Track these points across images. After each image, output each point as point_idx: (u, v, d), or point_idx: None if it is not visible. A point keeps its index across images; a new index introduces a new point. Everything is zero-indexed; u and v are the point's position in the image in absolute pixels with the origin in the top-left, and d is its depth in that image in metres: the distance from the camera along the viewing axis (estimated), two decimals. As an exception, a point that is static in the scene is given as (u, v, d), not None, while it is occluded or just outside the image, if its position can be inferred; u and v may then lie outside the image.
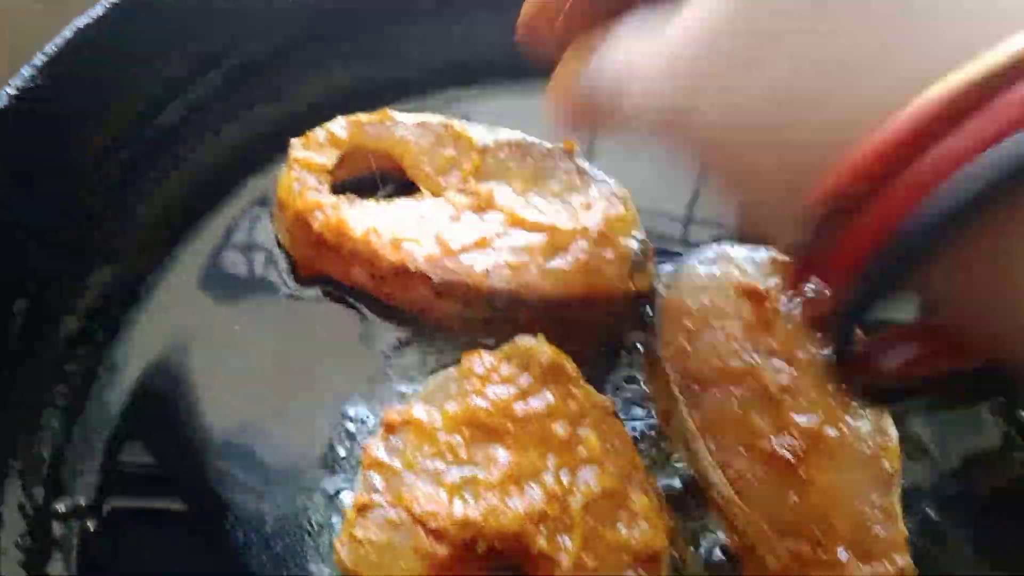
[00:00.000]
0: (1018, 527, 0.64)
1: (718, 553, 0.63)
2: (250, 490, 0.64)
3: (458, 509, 0.59)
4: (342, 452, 0.66)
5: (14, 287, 0.67)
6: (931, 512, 0.64)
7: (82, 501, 0.64)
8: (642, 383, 0.70)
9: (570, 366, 0.64)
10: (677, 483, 0.64)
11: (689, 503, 0.64)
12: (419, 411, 0.63)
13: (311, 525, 0.64)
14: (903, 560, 0.57)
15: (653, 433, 0.67)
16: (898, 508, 0.59)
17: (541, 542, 0.58)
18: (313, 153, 0.74)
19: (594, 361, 0.68)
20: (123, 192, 0.74)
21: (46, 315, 0.69)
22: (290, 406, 0.67)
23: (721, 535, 0.63)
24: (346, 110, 0.77)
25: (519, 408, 0.62)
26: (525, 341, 0.65)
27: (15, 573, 0.60)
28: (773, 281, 0.67)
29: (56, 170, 0.70)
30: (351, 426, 0.67)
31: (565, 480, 0.60)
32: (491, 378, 0.64)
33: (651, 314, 0.70)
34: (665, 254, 0.73)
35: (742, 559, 0.62)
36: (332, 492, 0.65)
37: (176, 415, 0.67)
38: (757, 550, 0.61)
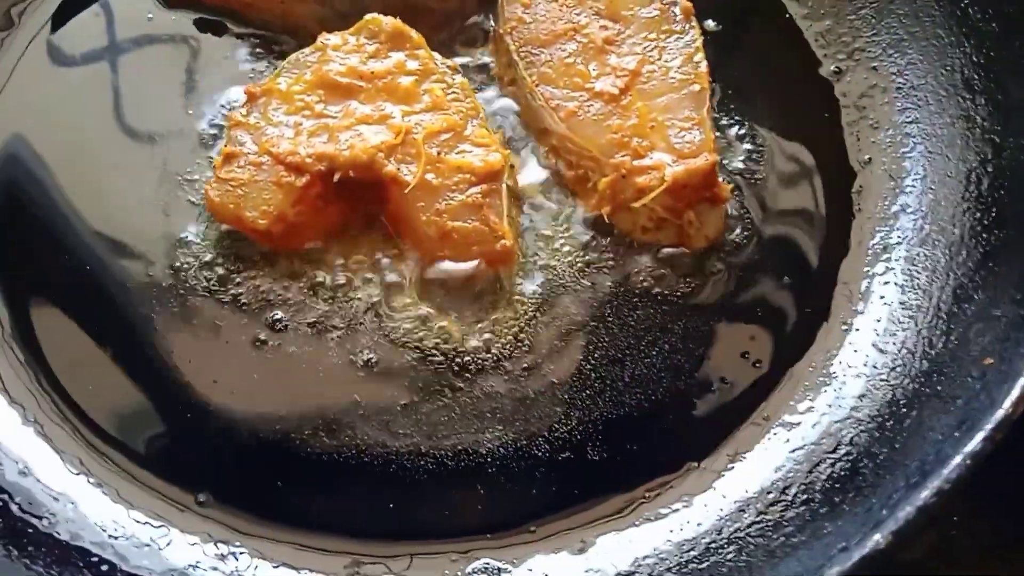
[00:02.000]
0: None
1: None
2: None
3: (314, 145, 0.65)
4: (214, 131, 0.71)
5: None
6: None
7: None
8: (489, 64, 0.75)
9: (414, 33, 0.70)
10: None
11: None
12: (278, 81, 0.68)
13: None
14: (709, 156, 0.65)
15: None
16: (706, 118, 0.66)
17: (390, 167, 0.64)
18: None
19: (441, 42, 0.74)
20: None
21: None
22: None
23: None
24: None
25: (368, 68, 0.68)
26: (372, 15, 0.70)
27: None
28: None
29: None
30: (217, 111, 0.72)
31: (411, 121, 0.66)
32: (342, 48, 0.69)
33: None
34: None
35: (578, 192, 0.69)
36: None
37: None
38: (589, 177, 0.68)
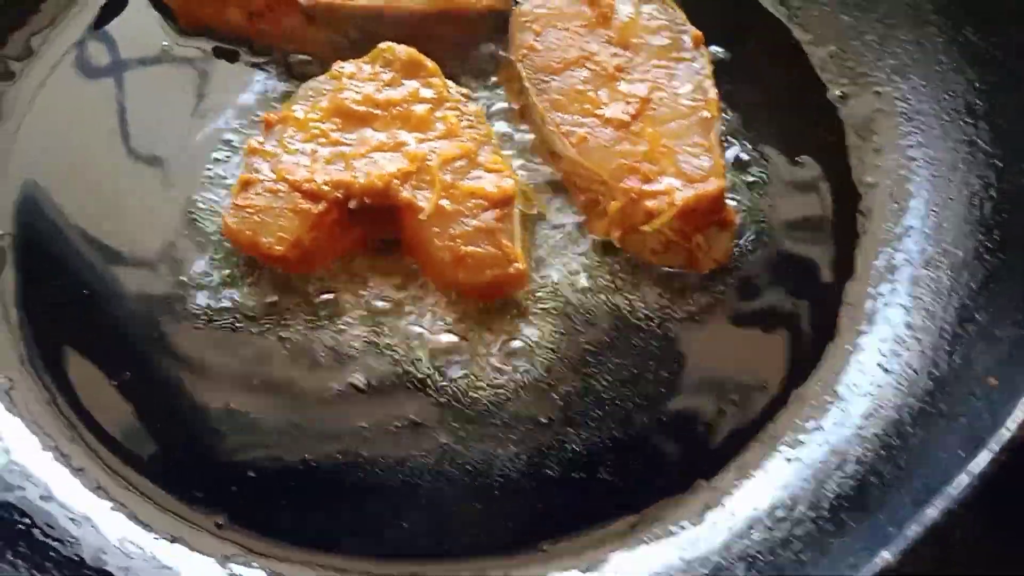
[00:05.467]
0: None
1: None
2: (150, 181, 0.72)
3: (330, 172, 0.66)
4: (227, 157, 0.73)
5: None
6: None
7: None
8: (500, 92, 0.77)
9: (428, 61, 0.71)
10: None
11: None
12: (294, 109, 0.70)
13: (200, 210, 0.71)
14: (717, 181, 0.66)
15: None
16: (716, 144, 0.68)
17: (405, 193, 0.66)
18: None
19: (454, 70, 0.75)
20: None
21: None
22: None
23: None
24: None
25: (383, 96, 0.70)
26: (386, 44, 0.72)
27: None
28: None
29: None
30: (232, 136, 0.74)
31: (426, 148, 0.68)
32: (357, 77, 0.71)
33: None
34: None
35: (588, 216, 0.71)
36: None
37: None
38: (599, 202, 0.69)
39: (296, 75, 0.77)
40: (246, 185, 0.66)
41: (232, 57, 0.79)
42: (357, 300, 0.68)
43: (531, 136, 0.73)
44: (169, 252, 0.70)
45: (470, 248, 0.65)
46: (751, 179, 0.73)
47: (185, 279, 0.69)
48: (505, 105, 0.75)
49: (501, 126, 0.74)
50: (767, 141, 0.74)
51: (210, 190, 0.72)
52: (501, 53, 0.77)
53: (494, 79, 0.77)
